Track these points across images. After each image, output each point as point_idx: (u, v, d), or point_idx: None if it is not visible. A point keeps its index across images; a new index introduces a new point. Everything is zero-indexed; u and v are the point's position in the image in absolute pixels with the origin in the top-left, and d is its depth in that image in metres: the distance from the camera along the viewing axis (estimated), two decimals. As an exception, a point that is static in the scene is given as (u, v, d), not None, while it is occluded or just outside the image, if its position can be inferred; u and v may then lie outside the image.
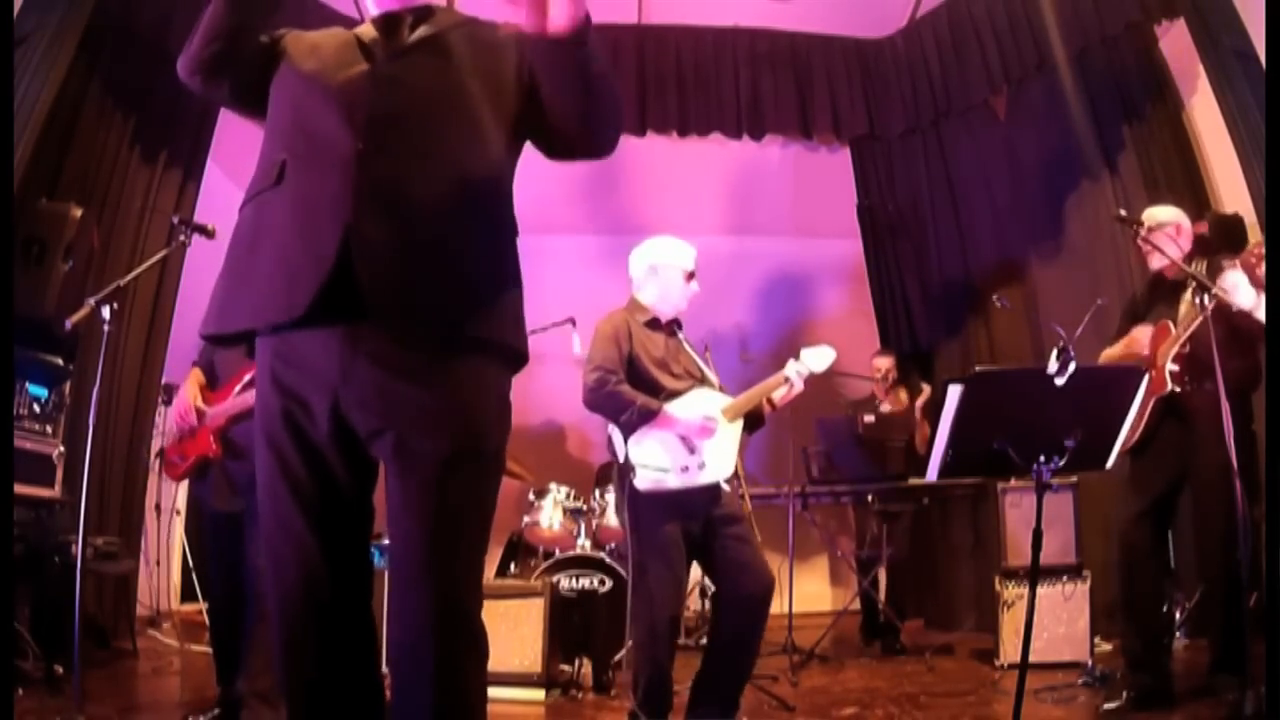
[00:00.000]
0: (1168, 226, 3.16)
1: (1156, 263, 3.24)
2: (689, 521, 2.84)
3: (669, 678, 2.83)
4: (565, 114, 1.49)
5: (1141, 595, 3.12)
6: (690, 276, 3.05)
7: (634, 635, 2.86)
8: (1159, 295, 3.25)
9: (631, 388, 2.88)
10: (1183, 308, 3.10)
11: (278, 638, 1.41)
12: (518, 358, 1.50)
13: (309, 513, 1.40)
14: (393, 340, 1.38)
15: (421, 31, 1.52)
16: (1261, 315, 2.79)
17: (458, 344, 1.40)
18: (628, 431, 2.86)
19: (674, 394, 2.92)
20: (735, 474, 3.05)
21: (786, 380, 3.03)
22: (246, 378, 3.00)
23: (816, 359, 3.11)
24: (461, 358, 1.40)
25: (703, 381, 3.03)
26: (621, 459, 2.87)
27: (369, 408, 1.38)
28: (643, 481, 2.82)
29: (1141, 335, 3.20)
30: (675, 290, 3.04)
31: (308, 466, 1.41)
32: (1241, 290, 2.76)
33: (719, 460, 2.88)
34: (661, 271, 3.05)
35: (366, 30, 1.56)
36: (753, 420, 3.08)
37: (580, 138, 1.53)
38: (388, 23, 1.54)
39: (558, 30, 1.29)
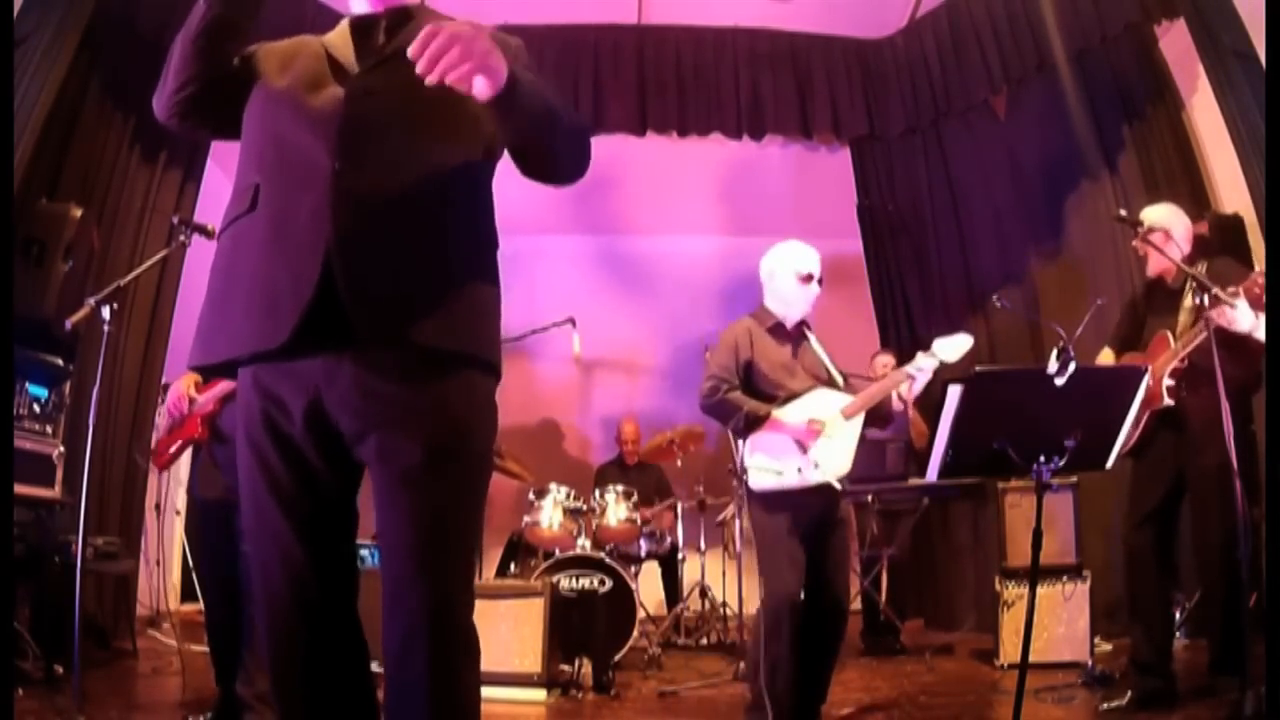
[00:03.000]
0: (1156, 231, 3.11)
1: (1153, 267, 3.23)
2: (802, 516, 2.89)
3: (792, 665, 2.85)
4: (523, 153, 1.48)
5: (1147, 600, 3.13)
6: (808, 279, 3.06)
7: (759, 625, 2.91)
8: (1158, 301, 3.24)
9: (745, 393, 2.98)
10: (1182, 316, 3.08)
11: (266, 637, 1.41)
12: (494, 371, 1.49)
13: (291, 513, 1.39)
14: (371, 350, 1.36)
15: (398, 40, 1.47)
16: (1260, 335, 2.81)
17: (441, 359, 1.39)
18: (739, 436, 3.00)
19: (793, 396, 2.97)
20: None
21: (909, 377, 2.97)
22: None
23: (950, 349, 2.99)
24: (444, 367, 1.40)
25: (829, 382, 3.05)
26: (739, 461, 2.99)
27: (353, 410, 1.37)
28: (756, 482, 2.93)
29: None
30: (791, 294, 3.07)
31: (288, 467, 1.40)
32: (1241, 316, 2.78)
33: (832, 460, 2.90)
34: (777, 277, 3.10)
35: (337, 39, 1.51)
36: (879, 417, 3.08)
37: (542, 172, 1.52)
38: (360, 29, 1.50)
39: (484, 97, 1.28)
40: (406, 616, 1.35)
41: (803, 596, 2.84)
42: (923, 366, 2.94)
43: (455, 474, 1.39)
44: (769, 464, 2.92)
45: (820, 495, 2.90)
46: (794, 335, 3.11)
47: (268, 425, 1.40)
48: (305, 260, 1.34)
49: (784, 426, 2.92)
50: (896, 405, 3.05)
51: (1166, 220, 3.16)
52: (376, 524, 1.40)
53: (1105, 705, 3.05)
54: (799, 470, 2.89)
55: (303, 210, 1.36)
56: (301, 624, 1.39)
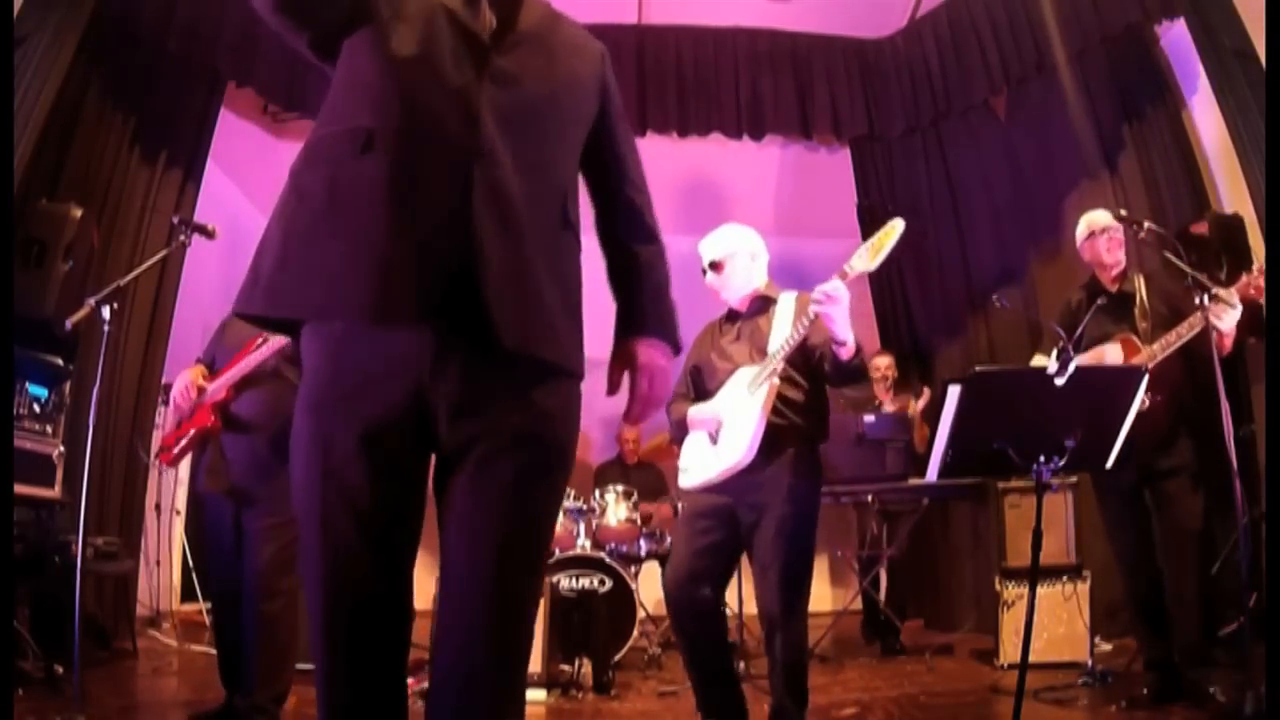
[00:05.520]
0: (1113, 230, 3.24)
1: (1116, 266, 3.30)
2: (718, 514, 2.80)
3: (690, 665, 2.87)
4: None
5: (1143, 596, 3.17)
6: (703, 272, 2.99)
7: None
8: (1106, 306, 3.26)
9: (688, 400, 3.01)
10: (1140, 321, 3.15)
11: (317, 628, 1.30)
12: (581, 377, 1.45)
13: (362, 521, 1.27)
14: (484, 350, 1.28)
15: (527, 22, 1.42)
16: (1229, 341, 2.93)
17: (553, 372, 1.35)
18: (677, 444, 3.05)
19: (723, 384, 2.89)
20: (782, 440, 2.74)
21: (810, 319, 2.61)
22: (258, 341, 2.85)
23: (866, 256, 2.55)
24: (553, 380, 1.36)
25: (767, 358, 2.78)
26: None
27: (460, 415, 1.29)
28: (680, 479, 2.97)
29: (1114, 355, 3.20)
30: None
31: (364, 453, 1.27)
32: (1230, 316, 2.86)
33: (730, 447, 2.72)
34: None
35: None
36: (827, 371, 2.73)
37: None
38: None
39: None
40: (479, 614, 1.28)
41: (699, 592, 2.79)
42: (829, 292, 2.50)
43: (549, 483, 1.36)
44: (683, 462, 2.96)
45: (733, 487, 2.73)
46: (742, 315, 2.95)
47: (348, 402, 1.28)
48: (441, 239, 1.27)
49: (695, 423, 2.90)
50: (842, 352, 2.60)
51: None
52: (449, 521, 1.32)
53: (1122, 704, 3.05)
54: (705, 465, 2.83)
55: (439, 187, 1.28)
56: (357, 622, 1.29)
